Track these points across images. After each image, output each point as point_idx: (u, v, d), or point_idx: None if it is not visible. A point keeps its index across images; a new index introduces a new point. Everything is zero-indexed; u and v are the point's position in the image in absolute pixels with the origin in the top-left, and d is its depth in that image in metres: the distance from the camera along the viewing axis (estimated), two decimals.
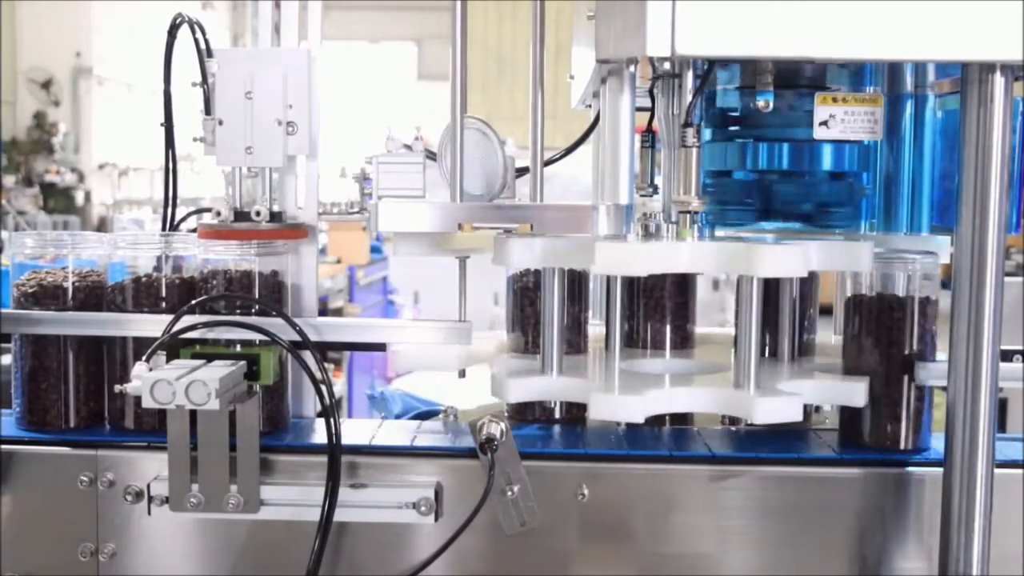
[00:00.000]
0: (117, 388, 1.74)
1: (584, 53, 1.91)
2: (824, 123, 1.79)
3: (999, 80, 1.49)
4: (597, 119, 1.98)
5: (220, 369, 1.67)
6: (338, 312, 6.79)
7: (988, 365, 1.54)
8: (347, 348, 1.99)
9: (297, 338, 1.78)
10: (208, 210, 1.94)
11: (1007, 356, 1.79)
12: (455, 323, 1.87)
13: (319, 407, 1.88)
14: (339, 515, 1.73)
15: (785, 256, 1.63)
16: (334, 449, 1.73)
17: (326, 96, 1.91)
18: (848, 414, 1.85)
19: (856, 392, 1.79)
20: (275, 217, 1.88)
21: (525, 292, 2.00)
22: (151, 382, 1.60)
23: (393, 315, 7.99)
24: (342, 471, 1.74)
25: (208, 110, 1.87)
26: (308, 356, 1.79)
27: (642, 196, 2.09)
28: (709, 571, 1.78)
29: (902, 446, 1.80)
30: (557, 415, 1.95)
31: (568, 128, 2.35)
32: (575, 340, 2.00)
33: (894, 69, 1.89)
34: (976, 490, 1.55)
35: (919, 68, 1.87)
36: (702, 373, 1.93)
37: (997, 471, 1.59)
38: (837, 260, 1.78)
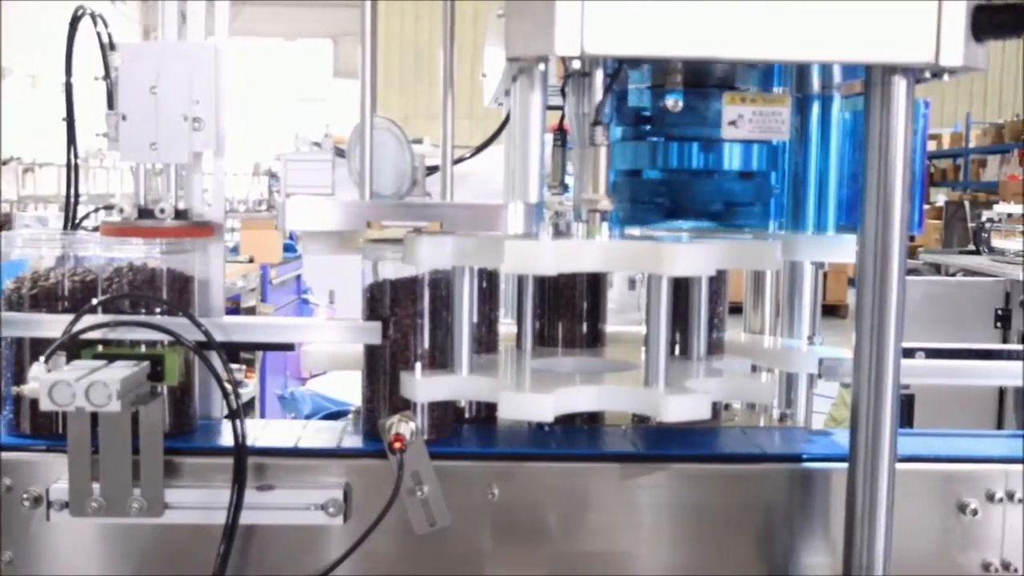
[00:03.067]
0: (15, 390, 1.69)
1: (496, 52, 1.90)
2: (733, 123, 1.81)
3: (901, 82, 1.51)
4: (508, 117, 1.97)
5: (122, 370, 1.63)
6: (251, 312, 6.68)
7: (891, 362, 1.56)
8: (255, 348, 1.97)
9: (203, 338, 1.75)
10: (111, 207, 1.90)
11: (909, 353, 1.82)
12: (366, 323, 1.85)
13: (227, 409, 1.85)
14: (246, 518, 1.70)
15: (693, 255, 1.64)
16: (240, 451, 1.70)
17: (241, 93, 1.89)
18: None
19: (764, 388, 1.81)
20: (180, 215, 1.84)
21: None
22: (49, 384, 1.56)
23: (308, 314, 7.89)
24: (251, 474, 1.71)
25: (111, 104, 1.83)
26: (214, 357, 1.76)
27: (554, 195, 2.09)
28: (621, 570, 1.79)
29: None
30: (467, 414, 1.94)
31: (485, 127, 2.34)
32: (486, 339, 1.99)
33: (802, 70, 1.91)
34: (879, 486, 1.57)
35: (826, 69, 1.89)
36: (613, 372, 1.94)
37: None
38: (745, 259, 1.79)
